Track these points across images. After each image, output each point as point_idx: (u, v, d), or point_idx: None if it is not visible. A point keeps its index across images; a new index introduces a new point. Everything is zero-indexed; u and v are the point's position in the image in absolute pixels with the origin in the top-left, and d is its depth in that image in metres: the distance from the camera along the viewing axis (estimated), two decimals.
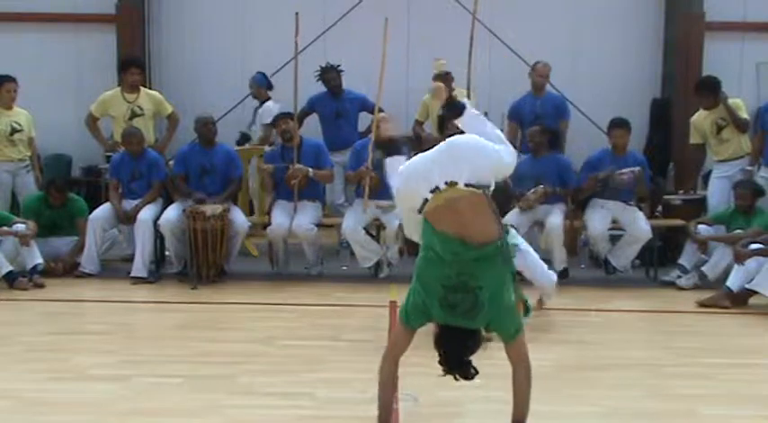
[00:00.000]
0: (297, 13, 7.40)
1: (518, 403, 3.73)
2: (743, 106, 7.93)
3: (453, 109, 4.27)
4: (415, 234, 3.89)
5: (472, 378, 3.73)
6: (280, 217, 7.49)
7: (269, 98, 9.06)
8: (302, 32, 7.58)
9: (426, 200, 3.69)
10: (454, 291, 3.55)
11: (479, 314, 3.59)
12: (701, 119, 7.99)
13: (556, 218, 7.35)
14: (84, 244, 7.66)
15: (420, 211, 3.71)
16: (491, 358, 5.07)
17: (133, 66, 8.23)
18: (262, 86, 9.15)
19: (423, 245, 3.71)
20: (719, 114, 7.85)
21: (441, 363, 3.71)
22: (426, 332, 5.55)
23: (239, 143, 9.07)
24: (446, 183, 3.70)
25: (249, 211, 8.61)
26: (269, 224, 7.54)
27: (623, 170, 7.39)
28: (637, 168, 7.40)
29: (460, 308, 3.57)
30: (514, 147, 8.92)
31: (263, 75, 9.18)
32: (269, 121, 8.34)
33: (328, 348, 5.28)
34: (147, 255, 7.44)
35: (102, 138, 8.40)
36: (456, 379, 3.73)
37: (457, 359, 3.70)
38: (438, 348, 3.70)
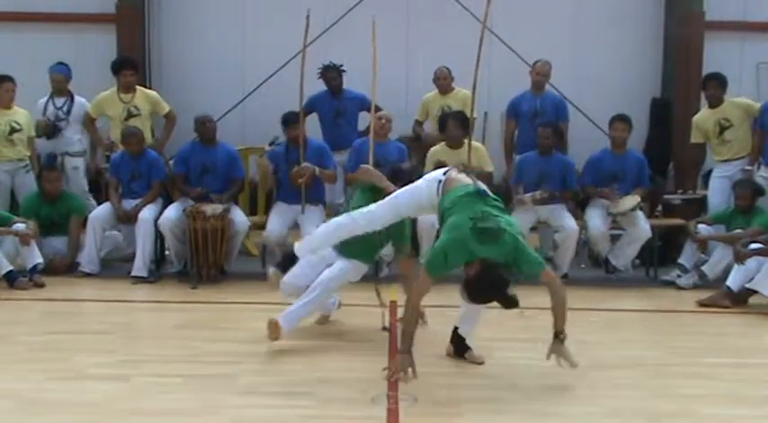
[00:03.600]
0: (308, 11, 7.37)
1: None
2: (750, 102, 7.95)
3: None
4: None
5: (516, 305, 4.44)
6: (276, 223, 7.46)
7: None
8: (303, 33, 7.57)
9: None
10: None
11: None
12: (705, 118, 7.98)
13: (571, 222, 7.40)
14: (76, 242, 7.68)
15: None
16: (491, 358, 5.08)
17: (126, 67, 8.15)
18: (70, 78, 8.56)
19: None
20: (723, 114, 7.83)
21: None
22: (425, 334, 5.54)
23: (50, 164, 8.19)
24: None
25: (251, 211, 8.61)
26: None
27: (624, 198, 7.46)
28: (638, 200, 7.41)
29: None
30: (510, 143, 8.96)
31: (67, 65, 8.57)
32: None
33: (328, 348, 5.27)
34: (148, 254, 7.44)
35: (99, 138, 8.38)
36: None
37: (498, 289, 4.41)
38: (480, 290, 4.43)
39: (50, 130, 8.40)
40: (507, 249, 4.47)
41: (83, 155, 8.58)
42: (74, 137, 8.50)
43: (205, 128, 7.66)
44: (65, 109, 8.44)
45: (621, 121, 7.65)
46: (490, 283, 4.41)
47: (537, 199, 7.34)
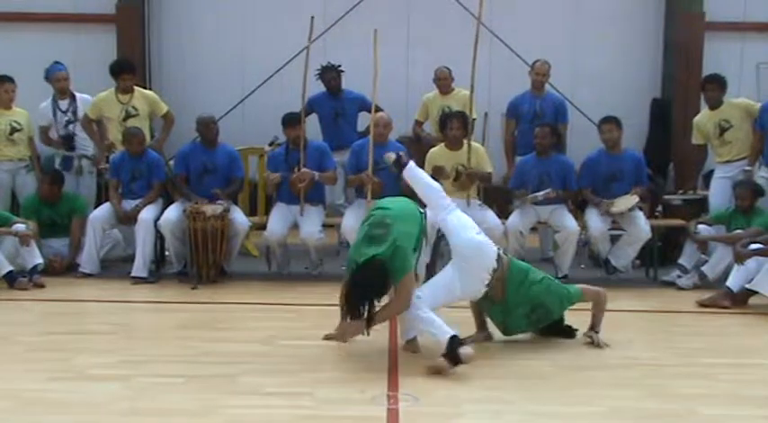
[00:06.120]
0: (312, 17, 7.36)
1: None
2: (749, 102, 7.95)
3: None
4: None
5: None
6: (277, 223, 7.45)
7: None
8: (303, 32, 7.59)
9: None
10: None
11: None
12: (705, 120, 7.96)
13: (571, 222, 7.39)
14: (76, 243, 7.68)
15: None
16: (491, 358, 5.08)
17: (125, 72, 8.07)
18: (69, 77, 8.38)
19: None
20: (723, 116, 7.82)
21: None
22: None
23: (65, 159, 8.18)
24: None
25: (251, 211, 8.61)
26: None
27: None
28: (636, 200, 7.39)
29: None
30: (511, 144, 8.94)
31: (63, 64, 8.41)
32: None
33: (328, 348, 5.26)
34: (148, 255, 7.44)
35: (98, 139, 8.34)
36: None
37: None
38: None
39: (65, 145, 8.24)
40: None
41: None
42: (87, 138, 8.32)
43: (208, 129, 7.64)
44: (71, 111, 8.28)
45: (607, 122, 7.64)
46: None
47: (550, 196, 7.32)
